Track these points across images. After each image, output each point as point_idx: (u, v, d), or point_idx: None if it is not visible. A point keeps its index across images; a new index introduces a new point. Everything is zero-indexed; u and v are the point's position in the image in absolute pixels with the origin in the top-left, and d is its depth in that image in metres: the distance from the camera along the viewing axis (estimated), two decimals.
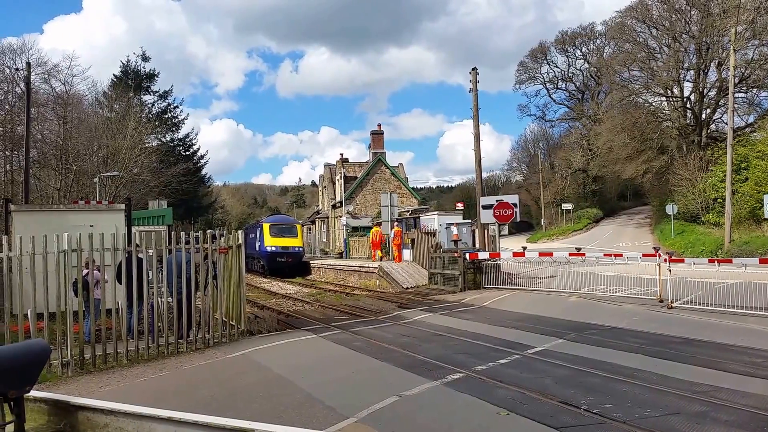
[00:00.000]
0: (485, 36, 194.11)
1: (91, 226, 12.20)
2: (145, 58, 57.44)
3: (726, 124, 35.94)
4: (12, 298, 9.33)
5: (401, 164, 54.21)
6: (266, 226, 34.95)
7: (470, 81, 25.47)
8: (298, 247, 35.01)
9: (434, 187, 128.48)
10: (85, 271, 9.79)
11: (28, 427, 1.78)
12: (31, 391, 1.80)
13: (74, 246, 9.22)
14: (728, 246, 28.55)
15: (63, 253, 9.07)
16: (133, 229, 15.75)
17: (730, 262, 14.86)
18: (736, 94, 38.17)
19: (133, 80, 54.68)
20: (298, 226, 37.36)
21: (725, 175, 30.53)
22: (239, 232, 12.01)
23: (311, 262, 35.40)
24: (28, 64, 26.71)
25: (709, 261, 15.55)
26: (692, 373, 7.80)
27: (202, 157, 63.47)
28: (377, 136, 51.05)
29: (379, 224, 33.11)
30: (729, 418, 5.94)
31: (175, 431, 1.60)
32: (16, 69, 31.67)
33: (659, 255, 14.29)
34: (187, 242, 10.52)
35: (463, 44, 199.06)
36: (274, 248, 33.81)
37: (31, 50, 35.18)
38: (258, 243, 35.05)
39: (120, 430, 1.74)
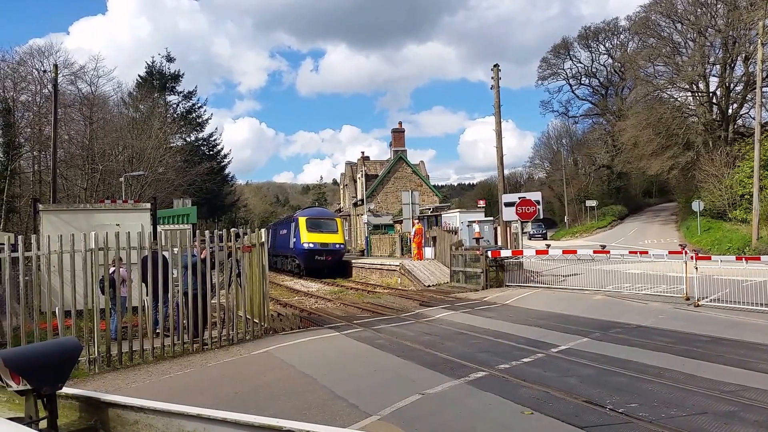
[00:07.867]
0: (507, 31, 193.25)
1: (117, 225, 12.38)
2: (169, 59, 58.15)
3: (753, 119, 35.24)
4: (41, 295, 9.50)
5: (422, 162, 54.21)
6: (302, 221, 30.98)
7: (492, 77, 25.32)
8: (339, 244, 31.13)
9: (456, 184, 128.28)
10: (111, 269, 9.93)
11: (61, 423, 1.82)
12: (63, 388, 1.83)
13: (101, 245, 9.36)
14: (756, 243, 28.03)
15: (90, 251, 9.22)
16: (159, 228, 15.94)
17: (758, 259, 14.56)
18: (764, 89, 37.36)
19: (157, 81, 55.42)
20: (338, 220, 33.43)
21: (752, 171, 30.01)
22: (262, 230, 12.11)
23: None
24: (56, 66, 27.20)
25: (737, 258, 15.24)
26: (720, 372, 7.69)
27: (225, 156, 64.24)
28: (398, 134, 51.06)
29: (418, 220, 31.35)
30: (758, 418, 5.84)
31: (204, 428, 1.62)
32: (44, 71, 32.34)
33: (686, 252, 14.08)
34: (212, 240, 10.62)
35: (484, 39, 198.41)
36: (311, 245, 29.87)
37: (58, 52, 35.87)
38: (292, 240, 31.30)
39: (149, 426, 1.76)
